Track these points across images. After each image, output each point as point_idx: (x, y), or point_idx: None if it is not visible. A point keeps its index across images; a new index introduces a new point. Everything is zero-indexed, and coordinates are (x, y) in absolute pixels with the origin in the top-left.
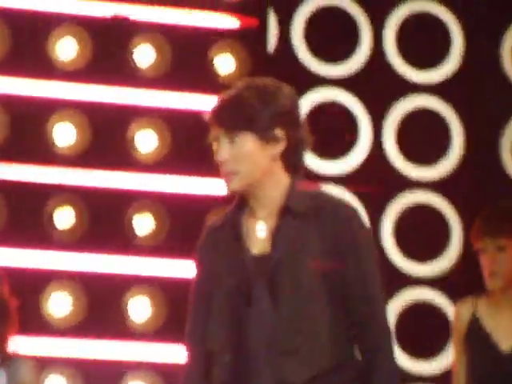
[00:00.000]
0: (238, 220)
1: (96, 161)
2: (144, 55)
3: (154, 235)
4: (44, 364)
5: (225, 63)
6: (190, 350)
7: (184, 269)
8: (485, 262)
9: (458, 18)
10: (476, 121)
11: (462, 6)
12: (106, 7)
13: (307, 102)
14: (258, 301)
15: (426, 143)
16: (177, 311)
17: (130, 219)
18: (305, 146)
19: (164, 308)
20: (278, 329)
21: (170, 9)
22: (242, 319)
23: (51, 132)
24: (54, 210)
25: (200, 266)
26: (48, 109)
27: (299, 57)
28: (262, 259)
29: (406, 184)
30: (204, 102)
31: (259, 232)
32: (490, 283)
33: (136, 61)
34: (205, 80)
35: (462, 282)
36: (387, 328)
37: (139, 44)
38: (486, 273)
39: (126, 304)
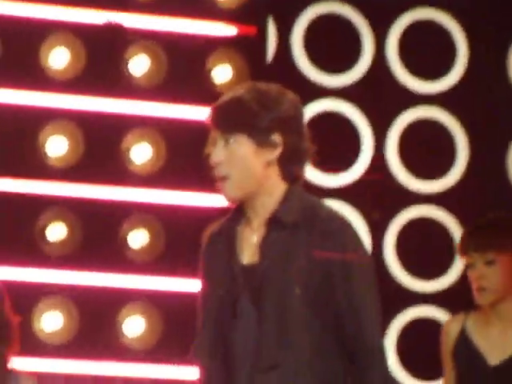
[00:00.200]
0: (233, 229)
1: (89, 174)
2: (139, 64)
3: (149, 250)
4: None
5: (222, 72)
6: (204, 364)
7: (180, 284)
8: (473, 277)
9: (462, 26)
10: (481, 132)
11: (466, 14)
12: (100, 15)
13: (307, 113)
14: (244, 313)
15: (430, 155)
16: (172, 328)
17: (125, 234)
18: (304, 154)
19: (159, 325)
20: (260, 343)
21: (165, 17)
22: (230, 331)
23: (43, 144)
24: (45, 224)
25: (202, 275)
26: (40, 120)
27: (299, 66)
28: (250, 270)
29: (409, 198)
30: (200, 113)
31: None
32: (480, 299)
33: (131, 70)
34: (201, 90)
35: (467, 298)
36: (378, 351)
37: (134, 53)
38: (474, 288)
39: (120, 321)
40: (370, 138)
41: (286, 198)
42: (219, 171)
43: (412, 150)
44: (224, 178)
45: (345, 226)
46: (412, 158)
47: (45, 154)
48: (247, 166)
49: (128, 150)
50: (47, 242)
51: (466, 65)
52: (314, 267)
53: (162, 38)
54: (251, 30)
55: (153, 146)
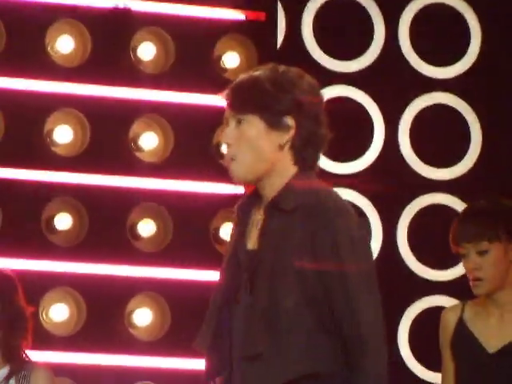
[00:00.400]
0: (245, 211)
1: (96, 162)
2: (146, 51)
3: (157, 240)
4: None
5: (231, 59)
6: (205, 353)
7: (188, 275)
8: (468, 268)
9: (475, 10)
10: (494, 118)
11: None
12: (107, 1)
13: None
14: (241, 300)
15: (443, 142)
16: (180, 319)
17: (132, 224)
18: (320, 141)
19: (167, 316)
20: (246, 330)
21: (173, 3)
22: (231, 318)
23: (49, 132)
24: (52, 214)
25: None
26: (46, 108)
27: (309, 52)
28: (250, 256)
29: (422, 185)
30: (209, 100)
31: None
32: (476, 290)
33: (138, 57)
34: (210, 76)
35: None
36: (371, 344)
37: (141, 39)
38: (470, 279)
39: (128, 312)
40: (382, 125)
41: (290, 184)
42: (228, 152)
43: (424, 137)
44: (232, 159)
45: (341, 214)
46: (424, 145)
47: (51, 142)
48: (257, 148)
49: (135, 138)
50: (54, 232)
51: (480, 50)
52: (307, 254)
53: (169, 23)
54: (260, 16)
55: (160, 134)
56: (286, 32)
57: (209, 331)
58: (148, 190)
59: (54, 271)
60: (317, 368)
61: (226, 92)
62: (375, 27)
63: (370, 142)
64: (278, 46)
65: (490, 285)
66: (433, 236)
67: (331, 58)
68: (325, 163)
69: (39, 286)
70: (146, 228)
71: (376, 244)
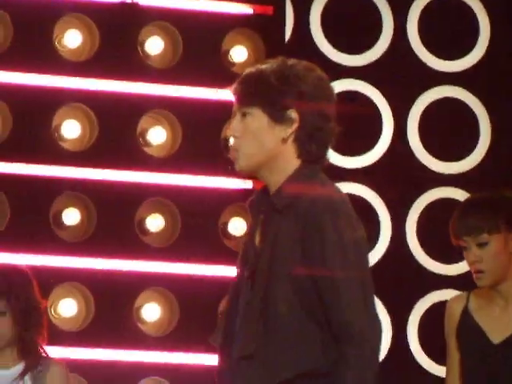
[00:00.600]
0: (256, 207)
1: (104, 157)
2: (154, 45)
3: (165, 235)
4: None
5: (238, 53)
6: (218, 350)
7: (197, 270)
8: (469, 260)
9: (483, 3)
10: (503, 112)
11: None
12: None
13: None
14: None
15: (451, 136)
16: (189, 314)
17: (141, 219)
18: (326, 136)
19: (175, 311)
20: (240, 330)
21: None
22: (237, 314)
23: (57, 127)
24: (60, 209)
25: None
26: (53, 103)
27: (318, 46)
28: (256, 252)
29: (431, 179)
30: (217, 94)
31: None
32: (479, 282)
33: (146, 51)
34: (218, 71)
35: None
36: (358, 339)
37: (149, 34)
38: (472, 271)
39: (136, 307)
40: (391, 119)
41: (289, 180)
42: (233, 144)
43: (433, 131)
44: (236, 151)
45: (331, 215)
46: (433, 139)
47: (59, 137)
48: (259, 140)
49: (143, 132)
50: (62, 227)
51: (488, 43)
52: (296, 254)
53: (177, 18)
54: (268, 10)
55: (168, 129)
56: (293, 26)
57: (221, 327)
58: (156, 185)
59: (62, 266)
60: (310, 366)
61: (233, 85)
62: (384, 21)
63: (379, 136)
64: (286, 39)
65: (493, 276)
66: (442, 230)
67: (339, 52)
68: (333, 157)
69: (47, 282)
70: (155, 223)
71: (385, 238)
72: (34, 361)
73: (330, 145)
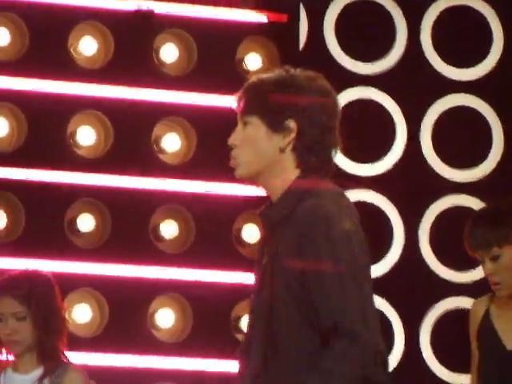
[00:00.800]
0: (265, 217)
1: (119, 164)
2: (168, 53)
3: (180, 241)
4: None
5: (253, 60)
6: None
7: (211, 276)
8: (485, 272)
9: (497, 11)
10: None
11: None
12: (129, 3)
13: (340, 101)
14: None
15: (465, 144)
16: (203, 320)
17: (155, 225)
18: (325, 146)
19: (189, 317)
20: (251, 347)
21: (196, 4)
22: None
23: (72, 134)
24: (75, 215)
25: None
26: (69, 110)
27: (332, 54)
28: (265, 260)
29: (444, 187)
30: (231, 102)
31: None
32: (497, 293)
33: (160, 59)
34: (232, 78)
35: None
36: (349, 337)
37: (164, 41)
38: (490, 282)
39: (151, 313)
40: (404, 127)
41: (286, 192)
42: (232, 152)
43: (446, 139)
44: (235, 159)
45: (320, 219)
46: (447, 147)
47: (74, 144)
48: (256, 148)
49: (158, 139)
50: (77, 234)
51: (502, 51)
52: (291, 263)
53: (192, 25)
54: (282, 18)
55: (183, 136)
56: (308, 34)
57: (244, 339)
58: (170, 192)
59: (76, 272)
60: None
61: (237, 94)
62: (397, 29)
63: (392, 144)
64: (300, 47)
65: (509, 287)
66: (455, 238)
67: (353, 60)
68: (347, 165)
69: (62, 288)
70: (169, 229)
71: (397, 246)
72: (52, 366)
73: (333, 156)
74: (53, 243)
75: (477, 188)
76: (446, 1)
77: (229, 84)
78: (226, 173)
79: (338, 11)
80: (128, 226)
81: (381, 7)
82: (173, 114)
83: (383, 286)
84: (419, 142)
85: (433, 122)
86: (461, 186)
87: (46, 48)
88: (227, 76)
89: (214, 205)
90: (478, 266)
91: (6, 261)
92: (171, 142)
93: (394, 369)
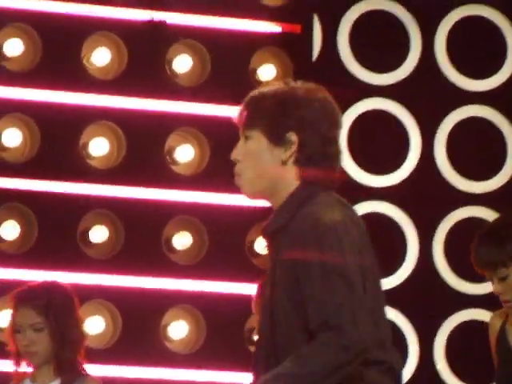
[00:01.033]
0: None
1: (132, 175)
2: (182, 64)
3: (193, 252)
4: None
5: (266, 71)
6: None
7: (224, 287)
8: (494, 291)
9: (511, 22)
10: None
11: None
12: (142, 14)
13: (354, 112)
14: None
15: (479, 155)
16: (216, 332)
17: (168, 236)
18: (327, 158)
19: (203, 329)
20: (259, 356)
21: (209, 15)
22: None
23: (85, 145)
24: (88, 226)
25: None
26: (82, 121)
27: (345, 65)
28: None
29: (458, 198)
30: None
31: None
32: (508, 310)
33: (174, 69)
34: (246, 89)
35: None
36: (333, 332)
37: (177, 52)
38: (501, 300)
39: (164, 325)
40: (419, 138)
41: (285, 202)
42: (236, 167)
43: (461, 150)
44: (238, 174)
45: (315, 225)
46: (461, 158)
47: (87, 155)
48: (259, 163)
49: (171, 150)
50: (90, 245)
51: None
52: (286, 269)
53: (205, 36)
54: (296, 28)
55: (196, 147)
56: (321, 44)
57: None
58: (183, 203)
59: (89, 284)
60: None
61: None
62: (411, 39)
63: (407, 155)
64: (314, 58)
65: None
66: (469, 249)
67: (367, 71)
68: (361, 176)
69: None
70: (182, 241)
71: (412, 257)
72: (69, 378)
73: (335, 166)
74: (65, 254)
75: (491, 199)
76: (460, 11)
77: (242, 95)
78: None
79: (352, 22)
80: (141, 238)
81: (395, 18)
82: (186, 125)
83: (397, 298)
84: (433, 153)
85: (447, 132)
86: (475, 197)
87: (58, 59)
88: (240, 87)
89: (227, 216)
90: None
91: (18, 272)
92: (184, 153)
93: (408, 381)
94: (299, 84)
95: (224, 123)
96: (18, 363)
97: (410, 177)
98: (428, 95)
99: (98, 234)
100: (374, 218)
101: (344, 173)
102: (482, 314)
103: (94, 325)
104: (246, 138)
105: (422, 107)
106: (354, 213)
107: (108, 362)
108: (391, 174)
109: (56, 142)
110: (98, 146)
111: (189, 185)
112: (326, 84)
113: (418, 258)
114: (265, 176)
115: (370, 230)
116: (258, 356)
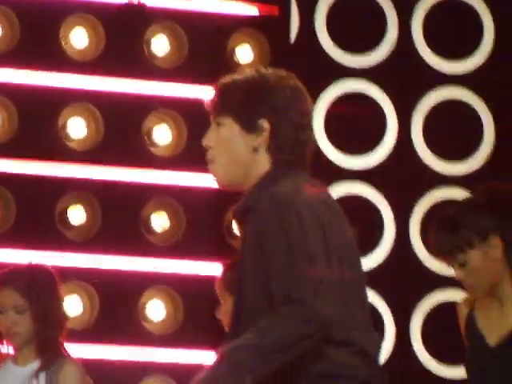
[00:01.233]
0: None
1: (109, 156)
2: (159, 45)
3: (170, 233)
4: None
5: (244, 53)
6: None
7: (201, 268)
8: (456, 277)
9: (488, 5)
10: (507, 113)
11: None
12: None
13: (331, 94)
14: None
15: (456, 137)
16: (193, 312)
17: (146, 217)
18: (299, 144)
19: (180, 309)
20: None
21: None
22: None
23: (63, 126)
24: (65, 207)
25: None
26: (60, 101)
27: (323, 46)
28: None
29: (434, 180)
30: None
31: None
32: (472, 294)
33: (151, 51)
34: (223, 71)
35: None
36: (295, 305)
37: (154, 33)
38: (464, 286)
39: (141, 306)
40: (395, 119)
41: (253, 185)
42: (208, 154)
43: (437, 132)
44: (211, 161)
45: (277, 203)
46: (437, 140)
47: (65, 136)
48: (231, 149)
49: (149, 132)
50: (67, 226)
51: (492, 45)
52: (253, 249)
53: (183, 18)
54: (273, 10)
55: (174, 128)
56: (299, 26)
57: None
58: (161, 184)
59: (67, 265)
60: None
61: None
62: (388, 22)
63: (383, 137)
64: (292, 40)
65: (482, 288)
66: None
67: (345, 53)
68: (338, 158)
69: None
70: (160, 222)
71: (388, 238)
72: (49, 359)
73: (308, 153)
74: (43, 235)
75: (468, 181)
76: None
77: (220, 76)
78: None
79: (330, 4)
80: (119, 219)
81: (372, 0)
82: (164, 106)
83: (374, 279)
84: (410, 135)
85: (424, 114)
86: (452, 178)
87: (36, 40)
88: (218, 68)
89: (204, 197)
90: None
91: None
92: (162, 134)
93: (385, 361)
94: (270, 71)
95: (202, 104)
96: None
97: (387, 158)
98: (405, 77)
99: (76, 215)
100: (351, 200)
101: (320, 155)
102: (458, 295)
103: (72, 306)
104: (218, 124)
105: (399, 89)
106: (325, 193)
107: (86, 342)
108: (368, 156)
109: (34, 124)
110: (76, 128)
111: (167, 166)
112: (305, 66)
113: (395, 240)
114: (237, 162)
115: (347, 211)
116: (227, 336)
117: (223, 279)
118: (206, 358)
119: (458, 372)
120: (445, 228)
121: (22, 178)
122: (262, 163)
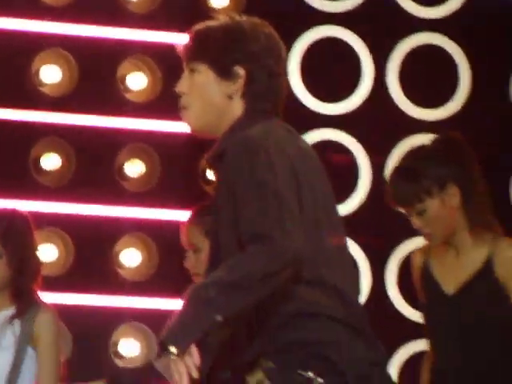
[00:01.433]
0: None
1: (84, 103)
2: None
3: (145, 180)
4: None
5: None
6: None
7: (176, 215)
8: (415, 224)
9: None
10: (483, 58)
11: None
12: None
13: (306, 40)
14: None
15: (432, 83)
16: (168, 260)
17: (120, 164)
18: (274, 92)
19: (155, 256)
20: None
21: None
22: None
23: (37, 72)
24: (39, 154)
25: None
26: (33, 48)
27: None
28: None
29: (412, 126)
30: None
31: None
32: (430, 243)
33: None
34: (197, 15)
35: None
36: (264, 241)
37: None
38: (422, 234)
39: (116, 253)
40: (371, 65)
41: (225, 131)
42: (182, 100)
43: (413, 78)
44: (184, 107)
45: (246, 146)
46: (413, 86)
47: (39, 82)
48: (206, 96)
49: (123, 78)
50: (42, 173)
51: None
52: (226, 193)
53: None
54: None
55: (148, 75)
56: None
57: None
58: (136, 131)
59: (41, 212)
60: None
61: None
62: None
63: (359, 83)
64: None
65: (440, 236)
66: None
67: None
68: (313, 104)
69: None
70: (134, 168)
71: (364, 184)
72: (24, 306)
73: (281, 100)
74: (17, 182)
75: (444, 127)
76: None
77: (194, 21)
78: None
79: None
80: (93, 165)
81: None
82: (138, 52)
83: (349, 225)
84: (386, 81)
85: (399, 60)
86: (428, 124)
87: None
88: (192, 13)
89: (179, 143)
90: None
91: None
92: (136, 81)
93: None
94: (245, 18)
95: (176, 51)
96: None
97: (363, 104)
98: (380, 22)
99: (50, 161)
100: (327, 146)
101: (296, 101)
102: None
103: (47, 253)
104: (192, 70)
105: (373, 34)
106: (298, 138)
107: (60, 289)
108: (344, 102)
109: (6, 70)
110: (50, 74)
111: (141, 112)
112: (279, 12)
113: (371, 187)
114: (211, 109)
115: (322, 157)
116: None
117: (202, 224)
118: (180, 304)
119: None
120: (404, 177)
121: None
122: (237, 110)
